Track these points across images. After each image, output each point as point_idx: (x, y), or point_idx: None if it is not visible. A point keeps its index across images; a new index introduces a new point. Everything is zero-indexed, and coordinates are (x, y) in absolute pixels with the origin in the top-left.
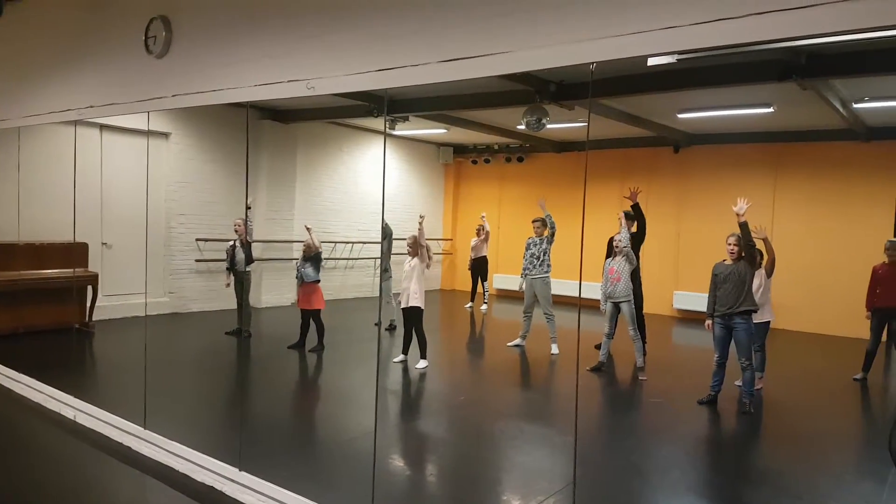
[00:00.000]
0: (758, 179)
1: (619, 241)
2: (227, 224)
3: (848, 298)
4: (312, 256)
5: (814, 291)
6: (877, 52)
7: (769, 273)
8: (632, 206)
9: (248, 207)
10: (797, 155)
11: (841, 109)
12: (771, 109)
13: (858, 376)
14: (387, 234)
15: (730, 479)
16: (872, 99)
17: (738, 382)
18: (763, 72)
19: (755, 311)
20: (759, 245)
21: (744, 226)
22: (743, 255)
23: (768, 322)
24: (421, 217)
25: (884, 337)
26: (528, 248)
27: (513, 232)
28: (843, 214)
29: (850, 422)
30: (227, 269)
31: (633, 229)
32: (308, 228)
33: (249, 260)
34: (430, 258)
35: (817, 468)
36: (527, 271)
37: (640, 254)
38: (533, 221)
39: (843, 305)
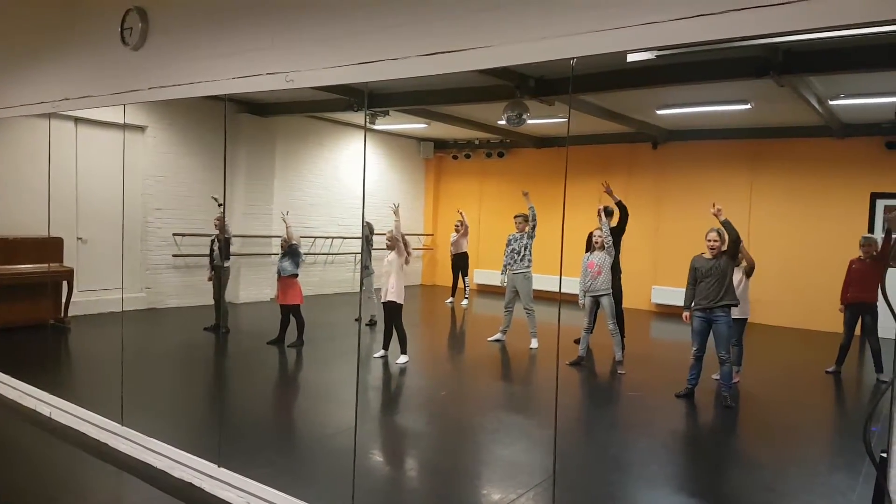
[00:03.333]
0: (735, 176)
1: (600, 235)
2: (204, 219)
3: (823, 293)
4: (290, 250)
5: (790, 286)
6: (853, 49)
7: (748, 275)
8: (616, 203)
9: (219, 204)
10: (774, 151)
11: (817, 106)
12: (748, 106)
13: (831, 369)
14: (367, 229)
15: (706, 471)
16: (848, 96)
17: (716, 376)
18: (741, 68)
19: (736, 306)
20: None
21: (727, 223)
22: (724, 249)
23: (745, 318)
24: (395, 205)
25: (857, 332)
26: (508, 244)
27: (493, 227)
28: (818, 210)
29: (825, 415)
30: (210, 262)
31: (613, 223)
32: (284, 219)
33: (226, 255)
34: (408, 253)
35: (792, 460)
36: (508, 266)
37: (620, 247)
38: (515, 217)
39: (818, 300)
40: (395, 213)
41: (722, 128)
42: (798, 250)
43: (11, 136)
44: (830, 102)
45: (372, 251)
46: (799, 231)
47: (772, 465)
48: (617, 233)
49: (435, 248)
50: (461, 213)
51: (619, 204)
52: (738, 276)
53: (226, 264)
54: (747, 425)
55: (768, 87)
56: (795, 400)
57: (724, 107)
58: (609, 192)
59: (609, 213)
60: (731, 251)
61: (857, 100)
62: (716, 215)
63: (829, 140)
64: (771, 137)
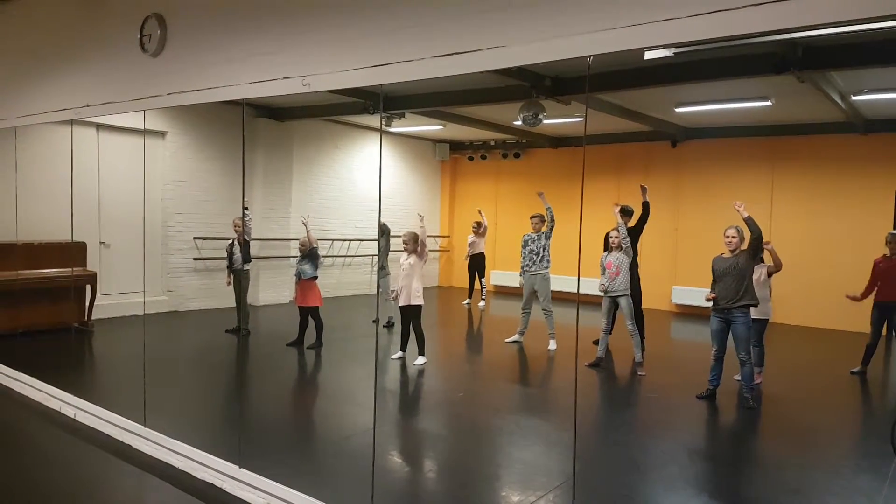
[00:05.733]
0: (755, 173)
1: (617, 236)
2: (224, 222)
3: (846, 292)
4: (309, 253)
5: (812, 285)
6: (875, 43)
7: (770, 273)
8: (642, 203)
9: (244, 207)
10: (795, 148)
11: (839, 102)
12: (768, 103)
13: (856, 369)
14: (384, 231)
15: (728, 473)
16: (871, 91)
17: (738, 377)
18: (760, 65)
19: (755, 306)
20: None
21: (749, 220)
22: (744, 248)
23: (767, 319)
24: (420, 216)
25: (884, 331)
26: (525, 245)
27: (510, 228)
28: (840, 208)
29: (849, 416)
30: (227, 267)
31: (631, 223)
32: (304, 223)
33: (247, 258)
34: (426, 255)
35: (816, 462)
36: (526, 268)
37: (639, 247)
38: (531, 217)
39: (841, 299)
40: (421, 219)
41: (742, 125)
42: (821, 249)
43: (35, 142)
44: (853, 98)
45: (389, 252)
46: (822, 229)
47: (794, 466)
48: (634, 233)
49: (451, 250)
50: (480, 213)
51: (645, 204)
52: (759, 272)
53: (245, 267)
54: (770, 427)
55: (789, 83)
56: (819, 401)
57: (744, 104)
58: (644, 191)
59: (627, 213)
60: (753, 249)
61: (880, 95)
62: (738, 211)
63: (853, 136)
64: (792, 134)
